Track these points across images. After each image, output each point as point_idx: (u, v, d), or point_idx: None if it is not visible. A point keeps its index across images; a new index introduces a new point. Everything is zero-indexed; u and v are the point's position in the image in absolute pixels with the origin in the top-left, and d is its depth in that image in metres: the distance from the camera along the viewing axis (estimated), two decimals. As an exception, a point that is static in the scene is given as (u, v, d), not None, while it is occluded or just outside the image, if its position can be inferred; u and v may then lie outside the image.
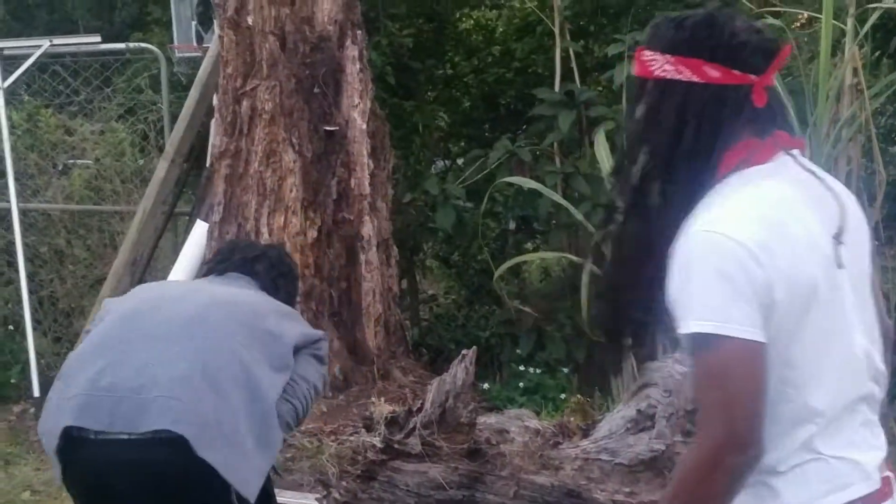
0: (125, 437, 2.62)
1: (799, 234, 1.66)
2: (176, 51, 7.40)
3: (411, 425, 3.96)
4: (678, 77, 1.73)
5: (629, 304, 1.85)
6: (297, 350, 3.00)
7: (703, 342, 1.61)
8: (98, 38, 6.89)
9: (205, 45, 9.90)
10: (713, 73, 1.71)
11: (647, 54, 1.77)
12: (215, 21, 6.44)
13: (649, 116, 1.77)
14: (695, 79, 1.70)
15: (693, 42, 1.73)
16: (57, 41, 6.65)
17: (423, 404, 4.05)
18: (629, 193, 1.79)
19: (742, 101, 1.71)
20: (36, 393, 5.98)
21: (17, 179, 6.40)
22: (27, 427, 5.75)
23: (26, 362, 6.16)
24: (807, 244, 1.66)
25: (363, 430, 4.91)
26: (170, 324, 2.82)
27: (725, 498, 1.63)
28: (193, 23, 13.43)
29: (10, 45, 6.68)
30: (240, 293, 3.07)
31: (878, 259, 4.51)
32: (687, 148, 1.72)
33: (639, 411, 3.69)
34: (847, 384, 1.71)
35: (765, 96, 1.72)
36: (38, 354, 6.17)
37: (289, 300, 3.25)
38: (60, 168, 7.23)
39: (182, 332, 2.79)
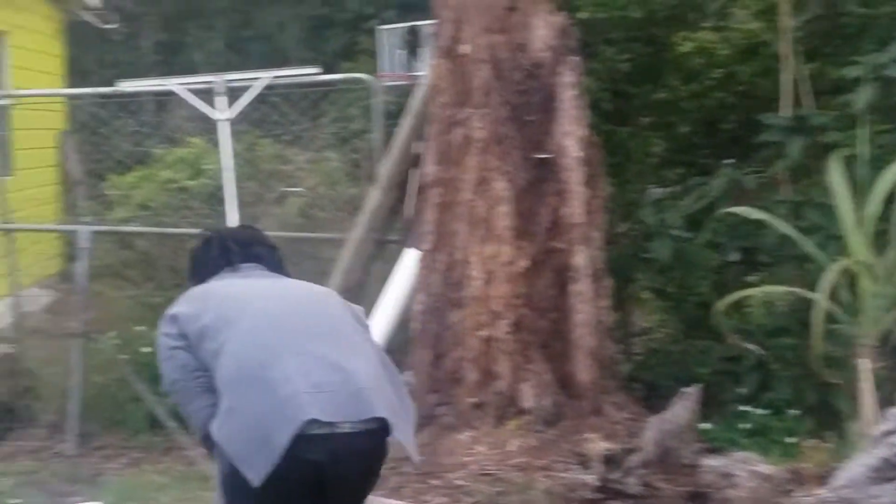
0: (348, 428, 2.89)
1: None
2: (383, 79, 7.59)
3: (629, 464, 3.93)
4: None
5: None
6: None
7: None
8: (316, 70, 7.14)
9: (410, 74, 10.20)
10: None
11: None
12: (426, 51, 6.56)
13: None
14: None
15: None
16: (277, 73, 6.94)
17: (641, 443, 4.00)
18: None
19: None
20: None
21: (237, 207, 6.68)
22: None
23: None
24: None
25: (577, 466, 4.91)
26: (318, 322, 3.12)
27: None
28: (400, 52, 13.89)
29: (235, 77, 7.02)
30: (301, 284, 3.39)
31: None
32: None
33: (884, 460, 3.49)
34: None
35: None
36: None
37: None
38: (277, 196, 7.53)
39: (333, 329, 3.11)
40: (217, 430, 2.98)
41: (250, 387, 2.96)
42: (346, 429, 2.90)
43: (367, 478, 3.08)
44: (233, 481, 2.97)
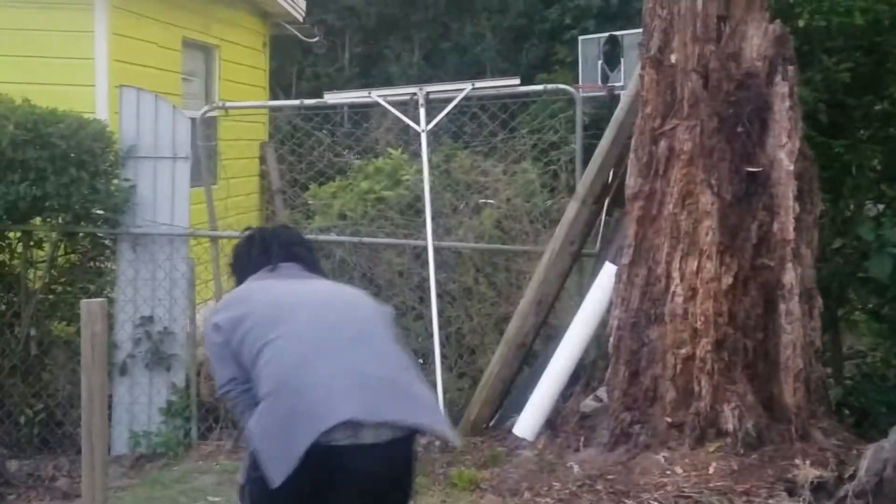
0: (371, 439, 3.03)
1: None
2: (581, 90, 7.60)
3: (842, 493, 3.81)
4: None
5: None
6: None
7: None
8: (517, 81, 7.23)
9: (609, 85, 10.18)
10: None
11: None
12: (629, 61, 6.55)
13: None
14: None
15: None
16: (478, 84, 7.06)
17: (855, 471, 3.86)
18: None
19: None
20: None
21: (433, 218, 6.78)
22: (433, 458, 6.01)
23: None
24: None
25: (783, 493, 4.79)
26: (353, 325, 3.31)
27: None
28: (600, 62, 13.87)
29: (435, 89, 7.17)
30: (337, 287, 3.70)
31: None
32: None
33: None
34: None
35: None
36: (444, 389, 6.44)
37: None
38: (473, 207, 7.64)
39: (366, 333, 3.30)
40: (251, 427, 3.12)
41: (283, 390, 3.11)
42: (369, 440, 3.02)
43: (396, 486, 3.20)
44: (255, 477, 3.11)
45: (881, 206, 6.61)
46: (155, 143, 6.87)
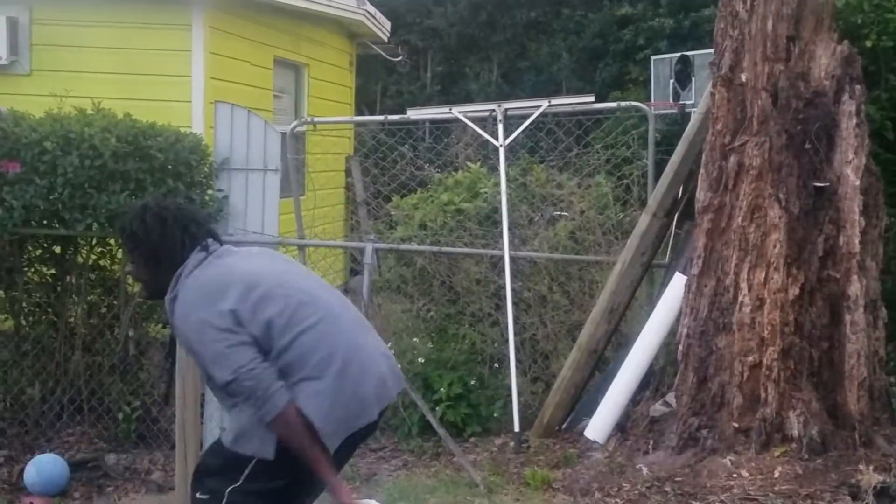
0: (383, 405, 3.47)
1: None
2: (653, 108, 7.60)
3: None
4: None
5: None
6: None
7: None
8: (591, 98, 7.26)
9: (681, 103, 10.15)
10: None
11: None
12: (700, 79, 6.55)
13: None
14: None
15: None
16: (554, 101, 7.12)
17: None
18: None
19: None
20: (516, 427, 6.27)
21: (509, 229, 6.84)
22: (507, 459, 6.06)
23: (508, 398, 6.47)
24: None
25: (847, 497, 4.77)
26: (349, 306, 3.62)
27: None
28: (671, 81, 13.84)
29: (513, 105, 7.24)
30: (298, 265, 3.91)
31: None
32: None
33: None
34: None
35: None
36: (518, 392, 6.44)
37: None
38: (548, 219, 7.68)
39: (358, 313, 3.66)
40: (307, 406, 3.24)
41: (343, 371, 3.29)
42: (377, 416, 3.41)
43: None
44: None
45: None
46: (247, 155, 6.84)
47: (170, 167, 6.59)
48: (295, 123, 8.55)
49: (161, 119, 6.90)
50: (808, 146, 5.65)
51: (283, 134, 7.72)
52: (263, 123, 6.93)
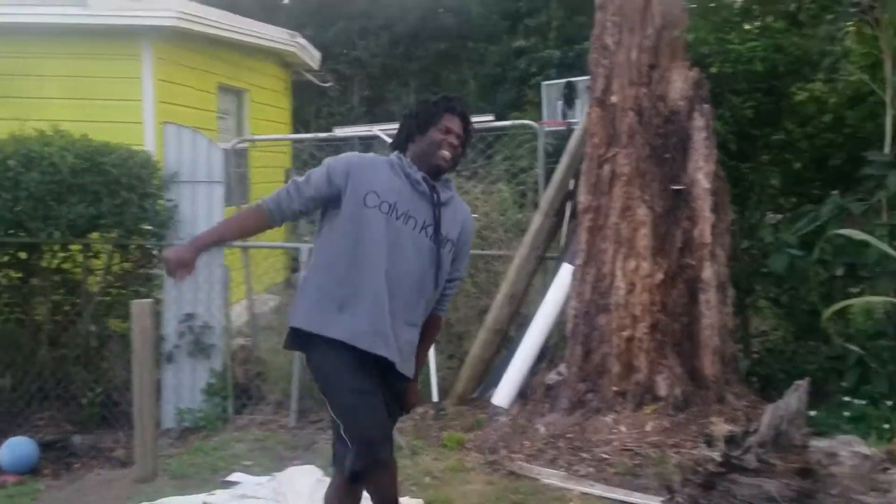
0: None
1: None
2: (544, 125, 7.68)
3: (747, 444, 3.91)
4: None
5: None
6: None
7: None
8: (491, 117, 7.29)
9: (567, 121, 10.27)
10: None
11: None
12: (583, 101, 6.61)
13: None
14: None
15: None
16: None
17: (758, 426, 3.98)
18: None
19: None
20: (435, 398, 6.24)
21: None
22: (428, 425, 6.00)
23: (428, 374, 6.39)
24: None
25: (703, 445, 4.88)
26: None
27: None
28: (559, 103, 14.00)
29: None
30: None
31: None
32: None
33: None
34: None
35: None
36: (436, 368, 6.41)
37: None
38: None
39: None
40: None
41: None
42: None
43: None
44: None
45: (779, 216, 6.69)
46: (193, 169, 6.73)
47: (123, 180, 6.47)
48: (235, 141, 8.47)
49: (116, 139, 6.77)
50: (667, 156, 5.73)
51: (227, 150, 7.64)
52: (207, 141, 6.82)
